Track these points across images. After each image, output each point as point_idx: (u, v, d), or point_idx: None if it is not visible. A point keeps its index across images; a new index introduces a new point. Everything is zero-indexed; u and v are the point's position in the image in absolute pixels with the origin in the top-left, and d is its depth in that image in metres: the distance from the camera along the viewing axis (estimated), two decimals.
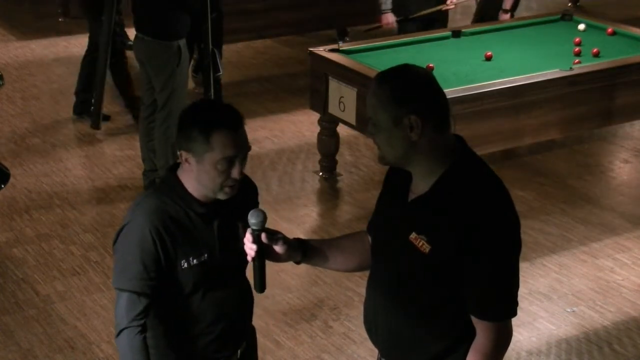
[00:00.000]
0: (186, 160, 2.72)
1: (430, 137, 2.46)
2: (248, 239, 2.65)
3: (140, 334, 2.75)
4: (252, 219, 2.64)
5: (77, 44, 9.20)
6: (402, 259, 2.56)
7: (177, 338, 2.88)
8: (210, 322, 2.86)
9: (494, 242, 2.44)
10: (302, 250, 2.76)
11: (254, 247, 2.64)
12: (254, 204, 2.96)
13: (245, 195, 2.90)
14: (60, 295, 4.98)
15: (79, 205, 5.97)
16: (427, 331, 2.59)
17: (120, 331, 2.76)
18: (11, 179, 5.27)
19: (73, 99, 7.36)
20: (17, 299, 4.94)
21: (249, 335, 3.09)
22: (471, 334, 2.55)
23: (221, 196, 2.74)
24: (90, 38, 7.26)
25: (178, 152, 2.75)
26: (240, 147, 2.69)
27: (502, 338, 2.54)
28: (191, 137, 2.68)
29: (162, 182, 2.92)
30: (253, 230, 2.64)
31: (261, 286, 2.69)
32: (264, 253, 2.67)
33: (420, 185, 2.53)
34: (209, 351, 2.91)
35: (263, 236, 2.66)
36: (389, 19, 6.95)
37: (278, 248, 2.69)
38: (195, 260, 2.77)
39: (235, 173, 2.69)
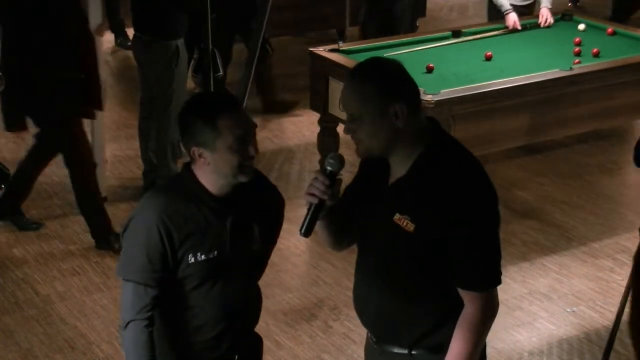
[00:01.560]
0: (200, 155, 2.75)
1: (411, 122, 2.56)
2: (324, 181, 2.62)
3: (147, 327, 2.75)
4: (332, 160, 2.63)
5: None
6: (388, 241, 2.64)
7: (175, 331, 2.89)
8: (210, 320, 2.86)
9: (473, 215, 2.54)
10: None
11: (329, 191, 2.62)
12: (277, 215, 3.00)
13: (268, 203, 2.95)
14: (60, 295, 4.98)
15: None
16: (415, 310, 2.67)
17: (127, 324, 2.77)
18: (11, 179, 5.28)
19: None
20: (17, 299, 4.94)
21: (252, 343, 3.08)
22: (458, 309, 2.62)
23: (242, 179, 2.77)
24: None
25: (190, 151, 2.77)
26: (247, 124, 2.76)
27: (489, 307, 2.63)
28: (198, 131, 2.72)
29: (176, 177, 2.95)
30: (331, 171, 2.64)
31: (309, 231, 2.66)
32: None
33: (399, 168, 2.62)
34: (205, 349, 2.91)
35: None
36: (511, 19, 6.74)
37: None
38: (203, 256, 2.78)
39: (251, 150, 2.75)
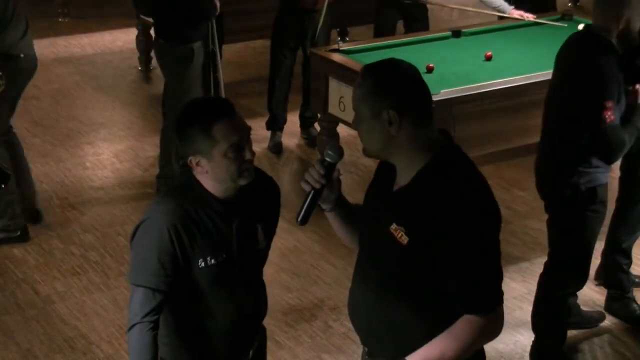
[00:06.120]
0: (197, 163, 2.76)
1: (410, 131, 2.49)
2: (319, 170, 2.63)
3: (152, 330, 2.76)
4: (330, 151, 2.63)
5: (77, 44, 9.21)
6: (383, 249, 2.60)
7: (192, 336, 2.90)
8: (226, 322, 2.89)
9: (470, 237, 2.44)
10: (338, 199, 2.76)
11: (323, 181, 2.63)
12: (276, 206, 3.01)
13: (268, 198, 2.95)
14: (60, 295, 4.98)
15: (79, 205, 5.97)
16: (401, 321, 2.61)
17: (132, 326, 2.77)
18: (11, 179, 5.28)
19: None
20: (17, 299, 4.94)
21: (261, 335, 3.12)
22: (447, 324, 2.56)
23: (242, 182, 2.78)
24: None
25: (187, 160, 2.78)
26: (242, 130, 2.75)
27: (487, 330, 2.54)
28: (193, 139, 2.73)
29: (181, 182, 2.95)
30: (329, 162, 2.64)
31: (305, 220, 2.66)
32: (322, 188, 2.67)
33: (402, 177, 2.57)
34: (223, 351, 2.94)
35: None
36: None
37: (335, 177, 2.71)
38: (213, 260, 2.80)
39: (247, 155, 2.75)
